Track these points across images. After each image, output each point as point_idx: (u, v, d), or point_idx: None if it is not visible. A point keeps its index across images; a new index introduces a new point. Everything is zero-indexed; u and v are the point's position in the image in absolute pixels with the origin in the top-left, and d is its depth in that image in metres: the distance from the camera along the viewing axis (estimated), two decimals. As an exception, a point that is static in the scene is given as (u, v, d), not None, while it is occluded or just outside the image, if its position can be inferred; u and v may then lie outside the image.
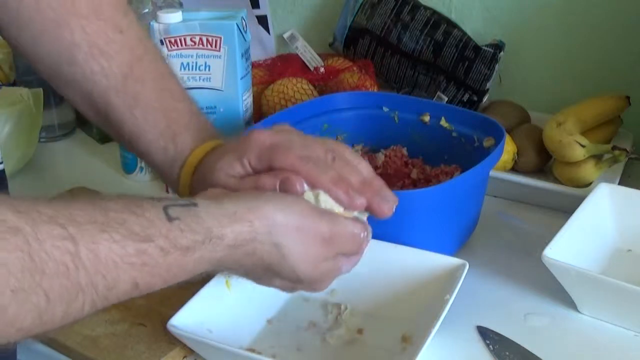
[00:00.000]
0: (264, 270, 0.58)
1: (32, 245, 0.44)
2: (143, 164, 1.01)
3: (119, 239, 0.48)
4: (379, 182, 0.64)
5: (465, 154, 0.85)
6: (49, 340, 0.70)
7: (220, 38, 0.92)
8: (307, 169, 0.60)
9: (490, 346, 0.68)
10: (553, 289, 0.74)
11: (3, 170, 0.71)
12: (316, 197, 0.60)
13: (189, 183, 0.67)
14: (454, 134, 0.88)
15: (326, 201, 0.60)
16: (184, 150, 0.69)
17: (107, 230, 0.48)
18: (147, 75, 0.70)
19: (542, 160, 0.97)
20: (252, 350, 0.66)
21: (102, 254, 0.47)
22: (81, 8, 0.67)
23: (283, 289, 0.62)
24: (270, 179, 0.60)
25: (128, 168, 1.02)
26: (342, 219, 0.60)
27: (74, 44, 0.67)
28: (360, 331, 0.70)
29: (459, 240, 0.81)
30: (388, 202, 0.62)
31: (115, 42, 0.68)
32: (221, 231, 0.54)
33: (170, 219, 0.52)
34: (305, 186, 0.60)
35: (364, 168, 0.64)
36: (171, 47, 0.92)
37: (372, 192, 0.62)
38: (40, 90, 1.06)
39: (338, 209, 0.60)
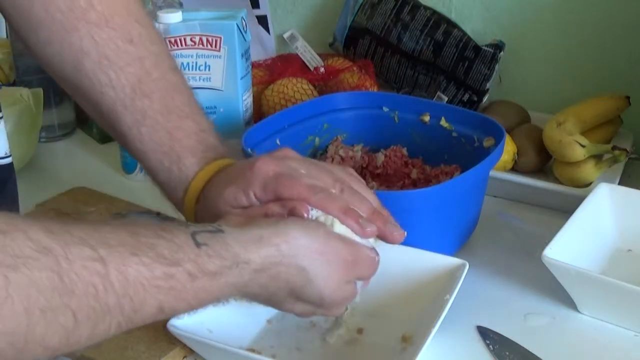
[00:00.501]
0: (288, 294, 0.58)
1: (62, 266, 0.44)
2: (143, 164, 1.01)
3: (148, 262, 0.49)
4: (387, 212, 0.65)
5: (465, 154, 0.85)
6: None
7: (220, 38, 0.92)
8: (316, 199, 0.60)
9: (490, 346, 0.68)
10: (553, 289, 0.74)
11: (11, 164, 0.72)
12: (331, 223, 0.60)
13: (193, 209, 0.67)
14: (454, 134, 0.88)
15: (340, 228, 0.60)
16: (187, 175, 0.68)
17: (137, 254, 0.48)
18: (156, 90, 0.69)
19: (542, 160, 0.97)
20: (252, 350, 0.66)
21: (131, 276, 0.47)
22: (91, 15, 0.66)
23: (302, 313, 0.62)
24: (279, 207, 0.60)
25: (128, 168, 1.02)
26: (361, 245, 0.61)
27: (82, 51, 0.67)
28: (360, 331, 0.70)
29: (459, 240, 0.81)
30: (398, 230, 0.63)
31: (126, 52, 0.68)
32: (248, 256, 0.54)
33: (198, 244, 0.52)
34: (318, 212, 0.60)
35: (372, 198, 0.64)
36: (171, 47, 0.92)
37: (382, 221, 0.63)
38: (40, 90, 1.05)
39: (352, 236, 0.61)
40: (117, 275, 0.47)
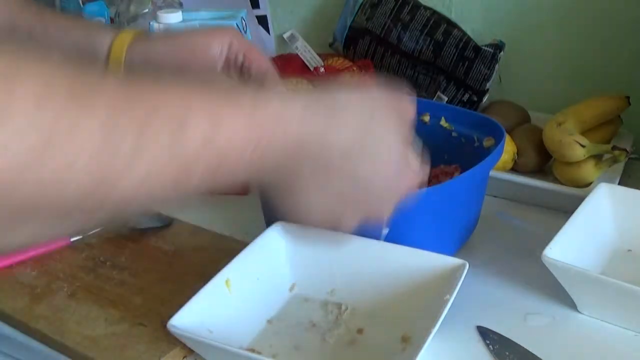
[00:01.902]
0: (344, 161, 0.58)
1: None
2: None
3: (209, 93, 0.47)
4: None
5: (465, 154, 0.85)
6: (49, 339, 0.70)
7: (220, 38, 0.92)
8: None
9: (490, 346, 0.68)
10: (553, 289, 0.74)
11: None
12: None
13: (128, 43, 0.68)
14: (454, 134, 0.88)
15: None
16: (110, 35, 0.68)
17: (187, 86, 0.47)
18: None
19: (542, 160, 0.97)
20: (252, 350, 0.66)
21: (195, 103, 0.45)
22: None
23: (359, 186, 0.61)
24: None
25: (128, 168, 1.02)
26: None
27: None
28: (360, 331, 0.70)
29: (459, 240, 0.81)
30: None
31: None
32: (292, 96, 0.54)
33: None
34: None
35: None
36: (171, 47, 0.92)
37: None
38: (40, 90, 1.05)
39: None
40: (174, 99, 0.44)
